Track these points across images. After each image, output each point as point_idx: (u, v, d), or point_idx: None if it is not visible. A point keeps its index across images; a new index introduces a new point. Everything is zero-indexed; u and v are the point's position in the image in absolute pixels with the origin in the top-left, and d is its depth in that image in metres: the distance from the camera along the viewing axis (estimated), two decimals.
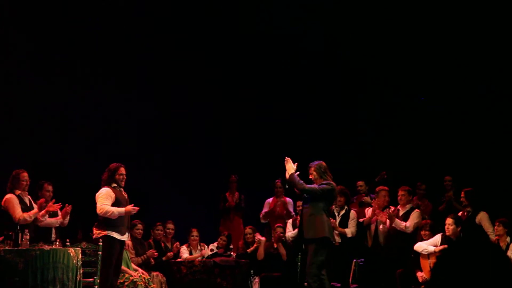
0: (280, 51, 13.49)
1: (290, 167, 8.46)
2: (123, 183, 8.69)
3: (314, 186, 8.42)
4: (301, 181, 8.39)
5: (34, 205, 9.10)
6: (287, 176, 8.47)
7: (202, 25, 13.49)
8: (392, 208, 10.11)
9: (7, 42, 11.91)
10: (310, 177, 8.56)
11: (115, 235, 8.45)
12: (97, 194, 8.55)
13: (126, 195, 8.73)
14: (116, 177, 8.60)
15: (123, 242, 8.63)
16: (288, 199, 11.56)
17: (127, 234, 8.66)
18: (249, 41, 13.48)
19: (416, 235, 9.81)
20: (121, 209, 8.48)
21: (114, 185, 8.59)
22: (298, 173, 8.48)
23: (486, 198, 10.29)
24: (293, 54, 13.55)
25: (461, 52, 12.87)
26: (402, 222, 9.94)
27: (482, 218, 9.87)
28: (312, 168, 8.54)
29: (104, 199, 8.45)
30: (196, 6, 13.46)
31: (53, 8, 12.37)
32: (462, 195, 10.08)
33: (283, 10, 13.44)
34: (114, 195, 8.52)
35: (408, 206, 10.17)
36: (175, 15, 13.38)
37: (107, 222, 8.44)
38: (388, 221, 9.94)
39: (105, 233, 8.42)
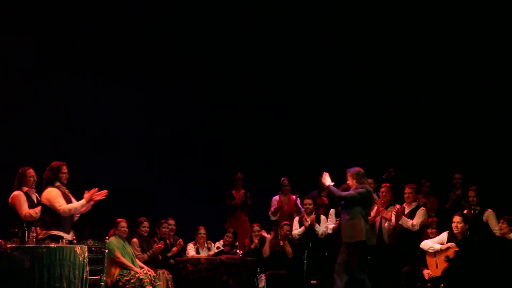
0: (281, 50, 13.50)
1: (327, 180, 8.89)
2: (66, 181, 8.55)
3: (351, 192, 8.71)
4: (338, 190, 8.79)
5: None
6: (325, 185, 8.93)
7: (202, 25, 13.47)
8: (398, 206, 10.15)
9: (8, 42, 11.84)
10: (347, 182, 8.89)
11: (62, 234, 8.24)
12: (46, 196, 8.30)
13: (69, 193, 8.55)
14: (60, 175, 8.46)
15: (69, 242, 8.28)
16: (295, 196, 11.61)
17: (72, 233, 8.39)
18: (250, 41, 13.48)
19: (422, 233, 9.84)
20: (81, 202, 8.29)
21: (58, 184, 8.42)
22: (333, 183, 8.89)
23: (494, 196, 10.36)
24: (295, 53, 13.55)
25: (464, 48, 12.91)
26: (409, 220, 9.99)
27: (490, 216, 9.92)
28: (349, 174, 8.84)
29: (59, 198, 8.27)
30: (196, 6, 13.43)
31: (53, 10, 12.32)
32: (472, 193, 10.10)
33: (283, 10, 13.44)
34: (60, 193, 8.39)
35: (413, 204, 10.22)
36: (175, 15, 13.35)
37: (52, 221, 8.22)
38: (393, 218, 9.98)
39: (50, 232, 8.20)
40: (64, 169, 8.52)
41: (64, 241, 7.99)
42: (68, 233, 8.32)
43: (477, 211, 10.01)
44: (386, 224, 10.14)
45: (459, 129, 12.86)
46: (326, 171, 11.31)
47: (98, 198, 8.49)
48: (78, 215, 8.88)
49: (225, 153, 13.14)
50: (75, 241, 8.24)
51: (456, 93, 13.13)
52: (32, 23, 12.05)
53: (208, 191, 12.55)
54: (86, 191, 8.45)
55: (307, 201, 10.58)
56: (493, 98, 12.77)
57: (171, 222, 10.57)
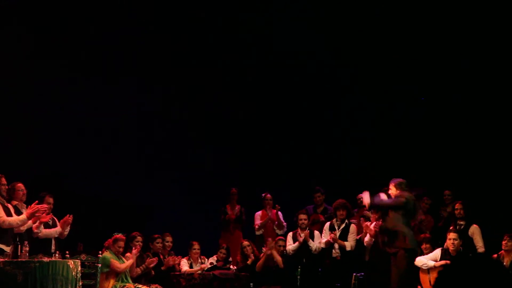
0: (280, 63, 13.49)
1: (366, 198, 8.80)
2: (4, 192, 8.57)
3: (396, 199, 8.64)
4: (382, 199, 8.71)
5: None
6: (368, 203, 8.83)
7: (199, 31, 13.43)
8: (374, 222, 10.06)
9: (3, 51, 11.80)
10: (389, 192, 8.83)
11: (3, 247, 8.23)
12: None
13: (8, 205, 8.55)
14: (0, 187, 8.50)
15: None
16: (279, 212, 11.63)
17: (12, 246, 8.15)
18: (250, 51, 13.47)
19: None
20: (22, 217, 8.28)
21: None
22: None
23: (480, 211, 10.33)
24: (292, 67, 13.53)
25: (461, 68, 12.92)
26: None
27: (475, 231, 9.87)
28: (392, 184, 8.77)
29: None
30: (198, 8, 13.38)
31: (55, 16, 12.29)
32: (459, 206, 10.05)
33: (280, 14, 13.40)
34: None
35: None
36: (169, 16, 13.29)
37: None
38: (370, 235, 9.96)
39: None
40: (3, 181, 8.51)
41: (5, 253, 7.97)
42: (8, 245, 8.25)
43: (462, 226, 9.96)
44: (366, 239, 10.08)
45: (455, 145, 12.82)
46: (319, 186, 11.38)
47: (42, 217, 8.54)
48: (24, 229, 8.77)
49: (221, 168, 13.09)
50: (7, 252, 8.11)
51: (447, 106, 13.12)
52: (32, 29, 11.95)
53: (203, 206, 12.51)
54: (29, 207, 8.47)
55: (302, 216, 10.55)
56: (483, 112, 12.76)
57: (168, 239, 10.56)
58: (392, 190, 8.78)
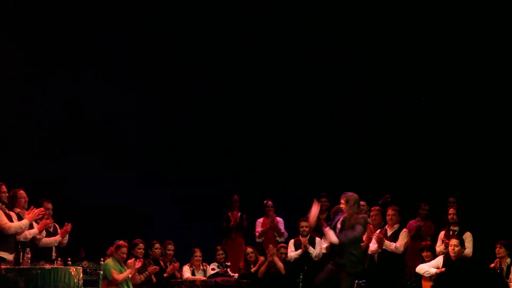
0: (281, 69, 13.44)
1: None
2: (6, 200, 8.59)
3: (356, 234, 8.40)
4: (343, 235, 8.41)
5: (34, 224, 8.95)
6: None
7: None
8: (377, 232, 10.00)
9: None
10: (341, 206, 8.63)
11: (5, 255, 8.23)
12: None
13: (10, 213, 8.55)
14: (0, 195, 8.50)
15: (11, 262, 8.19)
16: (279, 219, 11.64)
17: (15, 254, 8.18)
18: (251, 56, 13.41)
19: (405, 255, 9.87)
20: (24, 222, 8.34)
21: None
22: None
23: (475, 218, 10.34)
24: (292, 67, 13.50)
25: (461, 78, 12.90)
26: (392, 243, 9.88)
27: (467, 238, 9.85)
28: (344, 198, 8.54)
29: (2, 216, 8.28)
30: (199, 9, 13.30)
31: (51, 24, 12.21)
32: (453, 211, 10.03)
33: (280, 14, 13.34)
34: (2, 212, 8.37)
35: (396, 226, 10.15)
36: (162, 18, 13.21)
37: None
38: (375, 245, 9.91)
39: None
40: (4, 188, 8.54)
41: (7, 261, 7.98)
42: (10, 253, 8.27)
43: (456, 232, 9.96)
44: (373, 248, 10.01)
45: (458, 152, 12.79)
46: (325, 192, 11.36)
47: (41, 218, 8.57)
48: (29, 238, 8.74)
49: (222, 175, 13.02)
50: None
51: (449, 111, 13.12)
52: (26, 37, 11.85)
53: (204, 213, 12.46)
54: (26, 212, 8.47)
55: (303, 223, 10.49)
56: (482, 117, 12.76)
57: (170, 247, 10.55)
58: (343, 205, 8.52)
